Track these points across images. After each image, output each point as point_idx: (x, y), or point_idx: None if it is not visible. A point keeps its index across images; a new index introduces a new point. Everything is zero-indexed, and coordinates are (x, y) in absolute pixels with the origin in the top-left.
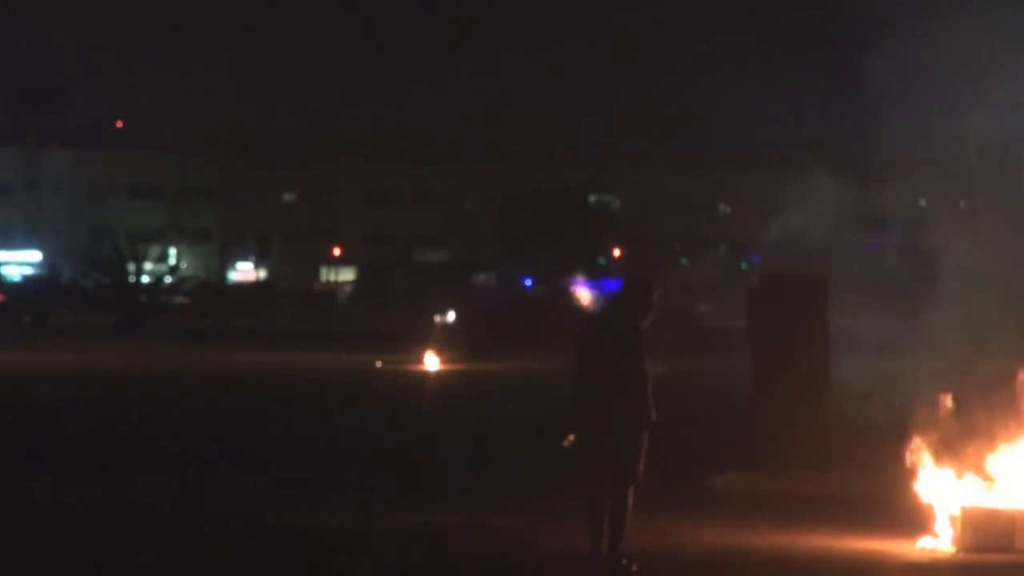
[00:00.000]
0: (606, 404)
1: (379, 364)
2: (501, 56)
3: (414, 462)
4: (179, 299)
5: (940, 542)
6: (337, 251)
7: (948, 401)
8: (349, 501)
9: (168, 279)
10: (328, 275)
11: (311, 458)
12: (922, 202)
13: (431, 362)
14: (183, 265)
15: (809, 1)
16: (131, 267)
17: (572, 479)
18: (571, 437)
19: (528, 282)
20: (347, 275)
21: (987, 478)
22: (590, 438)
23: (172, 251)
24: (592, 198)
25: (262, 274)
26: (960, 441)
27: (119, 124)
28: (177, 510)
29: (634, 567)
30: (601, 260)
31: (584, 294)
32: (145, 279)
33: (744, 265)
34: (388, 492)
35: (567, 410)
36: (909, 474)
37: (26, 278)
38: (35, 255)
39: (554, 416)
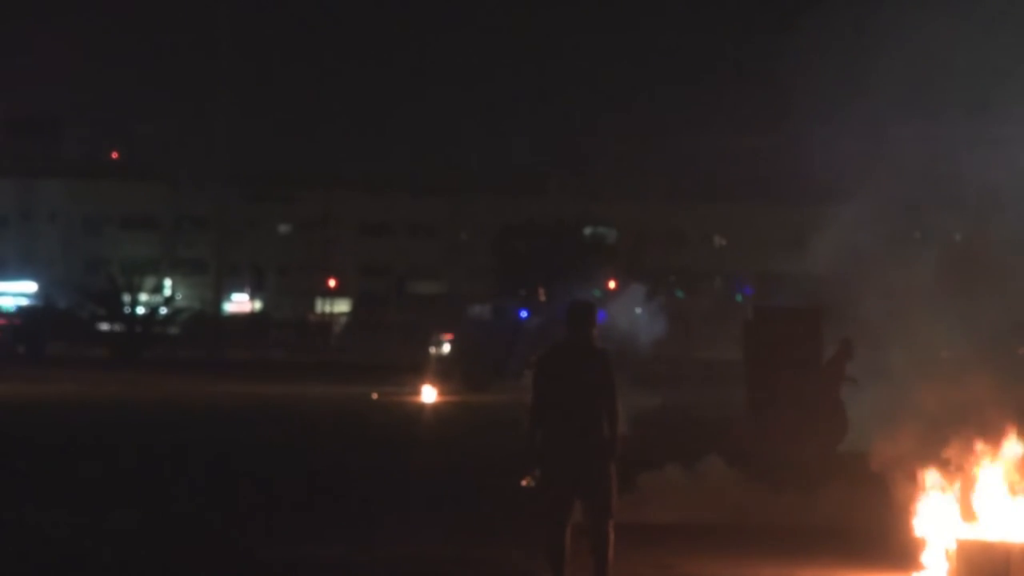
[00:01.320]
0: (572, 436)
1: (375, 396)
2: (495, 86)
3: (409, 493)
4: (173, 329)
5: (935, 575)
6: (332, 282)
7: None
8: (342, 532)
9: (163, 310)
10: (323, 306)
11: (304, 489)
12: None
13: (427, 394)
14: (178, 296)
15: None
16: (126, 298)
17: (533, 517)
18: (529, 477)
19: (523, 314)
20: (342, 306)
21: (981, 511)
22: (555, 473)
23: (167, 282)
24: (588, 230)
25: (257, 305)
26: (955, 472)
27: (114, 155)
28: (164, 541)
29: None
30: (596, 292)
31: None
32: (140, 310)
33: (739, 297)
34: (382, 523)
35: (526, 446)
36: (904, 506)
37: (21, 309)
38: (30, 286)
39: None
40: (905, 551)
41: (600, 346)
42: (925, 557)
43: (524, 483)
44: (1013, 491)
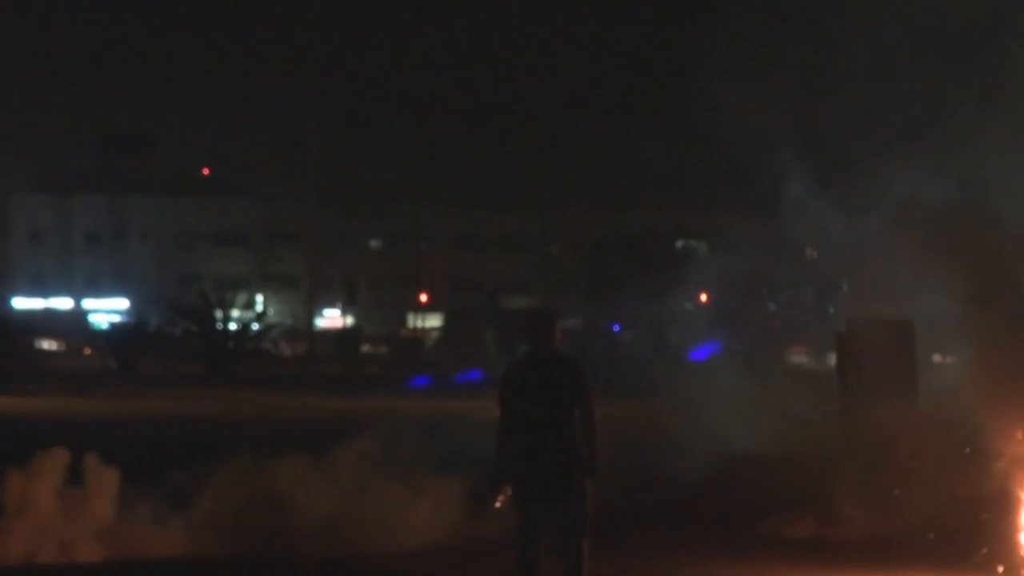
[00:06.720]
0: (543, 451)
1: (466, 410)
2: (586, 99)
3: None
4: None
5: None
6: (424, 297)
7: None
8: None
9: (255, 326)
10: (415, 321)
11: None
12: None
13: None
14: (270, 312)
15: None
16: (218, 314)
17: (510, 534)
18: (502, 497)
19: (616, 328)
20: (434, 321)
21: None
22: (529, 491)
23: (259, 298)
24: (679, 243)
25: (349, 321)
26: None
27: (206, 171)
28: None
29: None
30: (688, 305)
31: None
32: (232, 326)
33: (831, 309)
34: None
35: (496, 464)
36: (991, 512)
37: (114, 326)
38: (122, 303)
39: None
40: (990, 555)
41: (569, 355)
42: (1011, 561)
43: (497, 504)
44: None
